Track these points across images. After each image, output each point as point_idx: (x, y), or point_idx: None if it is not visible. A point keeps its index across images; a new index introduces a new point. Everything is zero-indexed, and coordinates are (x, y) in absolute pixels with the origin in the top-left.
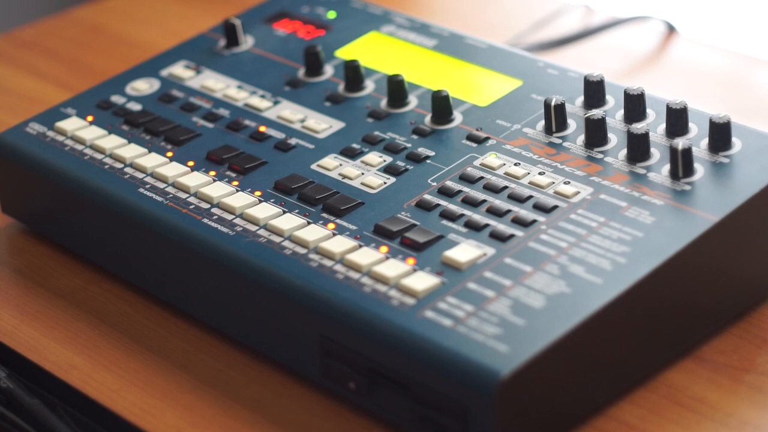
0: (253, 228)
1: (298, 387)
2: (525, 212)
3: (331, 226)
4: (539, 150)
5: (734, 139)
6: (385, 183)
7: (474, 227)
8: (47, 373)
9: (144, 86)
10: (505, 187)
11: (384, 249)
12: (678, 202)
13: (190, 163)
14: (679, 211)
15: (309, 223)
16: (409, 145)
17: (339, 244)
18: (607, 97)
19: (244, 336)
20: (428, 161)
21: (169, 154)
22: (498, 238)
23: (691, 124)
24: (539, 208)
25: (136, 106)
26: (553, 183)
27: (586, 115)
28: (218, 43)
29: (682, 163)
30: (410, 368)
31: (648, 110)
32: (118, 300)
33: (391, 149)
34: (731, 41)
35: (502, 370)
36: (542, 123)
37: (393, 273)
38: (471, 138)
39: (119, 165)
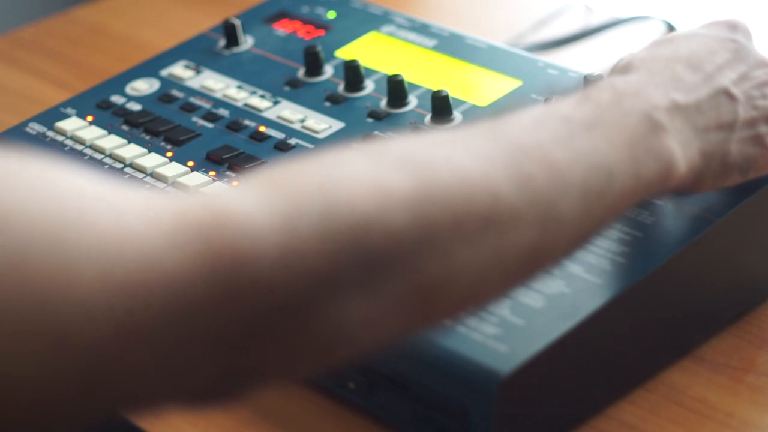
0: None
1: (298, 387)
2: None
3: None
4: None
5: None
6: None
7: None
8: None
9: (144, 86)
10: None
11: None
12: (678, 202)
13: (190, 163)
14: (679, 211)
15: None
16: None
17: None
18: None
19: None
20: None
21: (169, 154)
22: None
23: None
24: None
25: (136, 106)
26: None
27: None
28: (218, 43)
29: None
30: (410, 368)
31: None
32: None
33: None
34: None
35: (501, 370)
36: None
37: None
38: None
39: (119, 165)
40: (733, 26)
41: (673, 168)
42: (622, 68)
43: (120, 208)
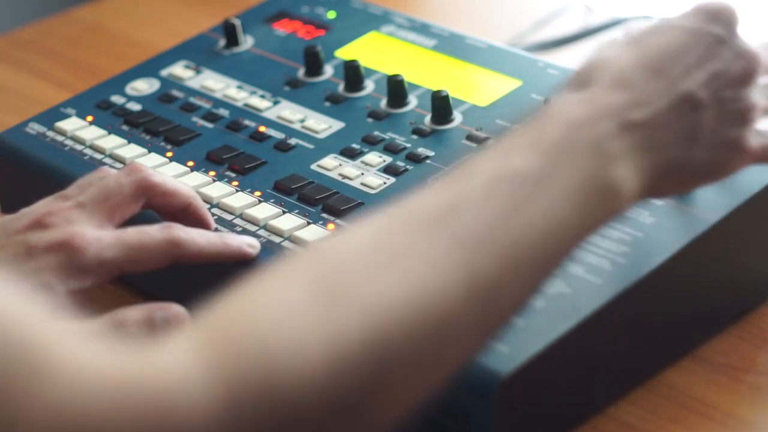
0: (252, 228)
1: None
2: None
3: (331, 226)
4: None
5: None
6: (385, 183)
7: None
8: None
9: (144, 86)
10: None
11: None
12: (678, 201)
13: (190, 164)
14: (679, 211)
15: (309, 223)
16: (409, 145)
17: None
18: None
19: None
20: (428, 161)
21: (169, 154)
22: None
23: None
24: None
25: (135, 106)
26: None
27: None
28: (218, 43)
29: None
30: None
31: None
32: (117, 300)
33: (391, 149)
34: None
35: (502, 370)
36: None
37: None
38: (471, 138)
39: (119, 165)
40: (715, 15)
41: (620, 199)
42: (581, 81)
43: (71, 375)
